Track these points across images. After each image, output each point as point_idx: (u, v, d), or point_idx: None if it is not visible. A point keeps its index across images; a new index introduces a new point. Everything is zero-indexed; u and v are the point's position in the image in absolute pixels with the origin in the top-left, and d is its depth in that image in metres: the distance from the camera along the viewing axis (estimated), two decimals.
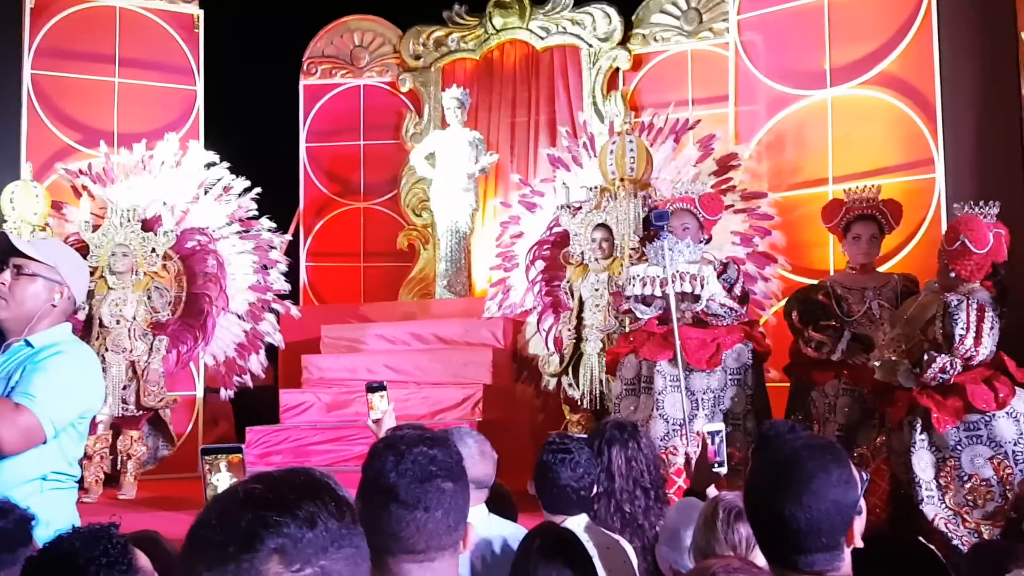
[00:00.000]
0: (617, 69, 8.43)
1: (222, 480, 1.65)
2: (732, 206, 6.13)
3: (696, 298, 4.89)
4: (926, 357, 3.99)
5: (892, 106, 6.51)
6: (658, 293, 4.91)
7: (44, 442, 2.28)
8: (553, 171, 7.03)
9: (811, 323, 5.14)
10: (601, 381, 5.89)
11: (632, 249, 5.86)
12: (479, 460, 2.52)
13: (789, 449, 1.67)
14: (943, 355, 4.00)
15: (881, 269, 5.49)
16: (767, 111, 7.08)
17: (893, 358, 4.19)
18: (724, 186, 6.18)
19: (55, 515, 2.27)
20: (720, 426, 3.15)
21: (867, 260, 5.20)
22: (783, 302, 5.70)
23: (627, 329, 5.50)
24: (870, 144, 6.60)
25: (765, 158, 7.00)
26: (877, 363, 4.21)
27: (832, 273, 5.84)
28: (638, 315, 5.09)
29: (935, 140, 6.27)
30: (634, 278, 5.03)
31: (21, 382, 2.30)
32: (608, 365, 5.42)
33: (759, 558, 2.09)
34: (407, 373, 6.78)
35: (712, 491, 2.88)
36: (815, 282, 5.51)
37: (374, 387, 2.93)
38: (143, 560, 1.53)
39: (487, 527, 2.51)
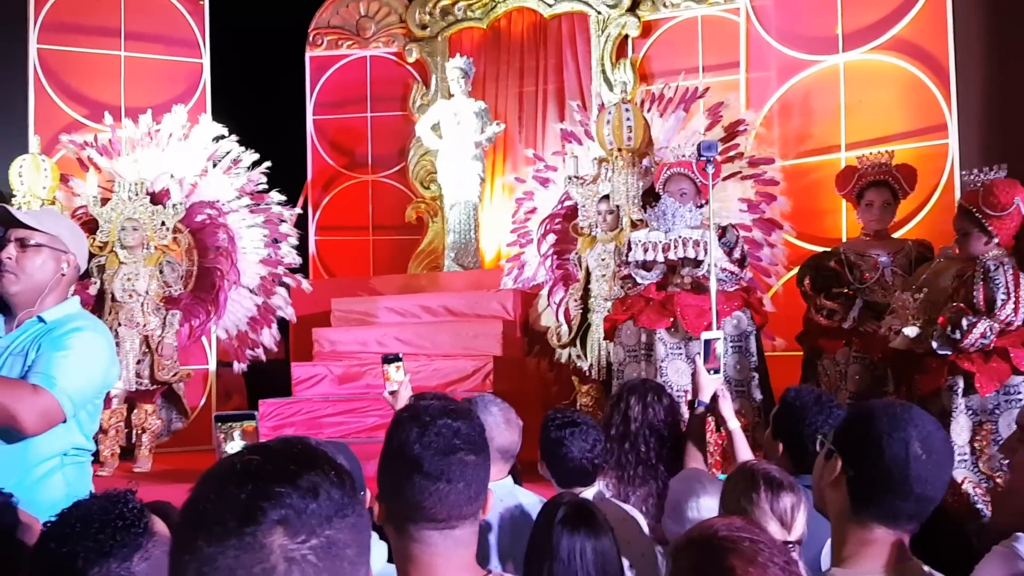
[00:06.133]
0: (626, 36, 8.30)
1: (235, 449, 1.63)
2: (739, 172, 6.08)
3: (698, 263, 4.87)
4: (965, 323, 3.93)
5: (905, 71, 6.43)
6: (660, 258, 4.89)
7: (64, 421, 2.29)
8: (563, 144, 6.96)
9: (823, 291, 5.11)
10: (609, 352, 5.88)
11: (639, 220, 5.82)
12: (504, 429, 2.46)
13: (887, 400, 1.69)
14: (983, 320, 3.94)
15: (895, 235, 5.46)
16: (778, 77, 7.00)
17: (918, 325, 4.12)
18: (731, 152, 6.12)
19: (76, 488, 2.31)
20: (719, 334, 3.16)
21: (880, 226, 5.17)
22: (794, 271, 5.67)
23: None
24: (883, 110, 6.53)
25: (776, 125, 6.93)
26: (910, 332, 4.10)
27: (845, 240, 5.80)
28: (638, 280, 5.06)
29: (948, 105, 6.20)
30: (636, 244, 5.00)
31: (38, 361, 2.29)
32: (606, 332, 5.36)
33: (799, 527, 2.11)
34: (417, 345, 6.79)
35: (743, 453, 2.87)
36: (827, 249, 5.47)
37: (390, 358, 2.93)
38: (159, 525, 1.53)
39: (514, 499, 2.45)
